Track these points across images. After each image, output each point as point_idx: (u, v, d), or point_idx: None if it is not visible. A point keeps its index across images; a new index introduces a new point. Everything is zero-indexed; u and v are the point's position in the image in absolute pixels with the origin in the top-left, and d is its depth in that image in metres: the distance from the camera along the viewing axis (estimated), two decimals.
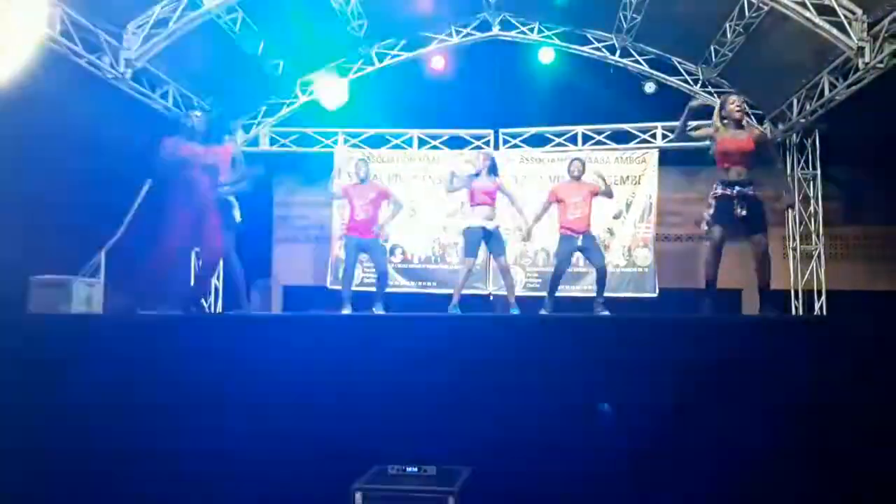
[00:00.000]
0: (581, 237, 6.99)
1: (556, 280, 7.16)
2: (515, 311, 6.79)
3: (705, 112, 5.76)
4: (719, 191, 5.22)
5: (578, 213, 7.01)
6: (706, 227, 5.35)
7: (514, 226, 9.79)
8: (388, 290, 7.48)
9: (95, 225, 7.08)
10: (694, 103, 5.67)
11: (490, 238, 6.95)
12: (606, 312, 6.84)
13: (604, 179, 7.23)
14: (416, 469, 3.34)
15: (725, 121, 5.33)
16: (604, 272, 7.10)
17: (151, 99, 8.25)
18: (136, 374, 3.79)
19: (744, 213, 5.15)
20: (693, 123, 5.73)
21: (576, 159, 7.40)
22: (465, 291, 7.33)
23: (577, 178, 7.22)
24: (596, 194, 7.16)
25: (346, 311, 7.03)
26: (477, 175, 7.08)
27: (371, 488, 3.23)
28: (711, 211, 5.28)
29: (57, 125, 6.34)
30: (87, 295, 5.94)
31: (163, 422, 3.70)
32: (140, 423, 3.71)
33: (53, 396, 3.79)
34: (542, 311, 6.98)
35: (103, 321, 5.13)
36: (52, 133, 6.37)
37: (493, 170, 7.14)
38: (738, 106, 5.34)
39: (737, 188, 5.18)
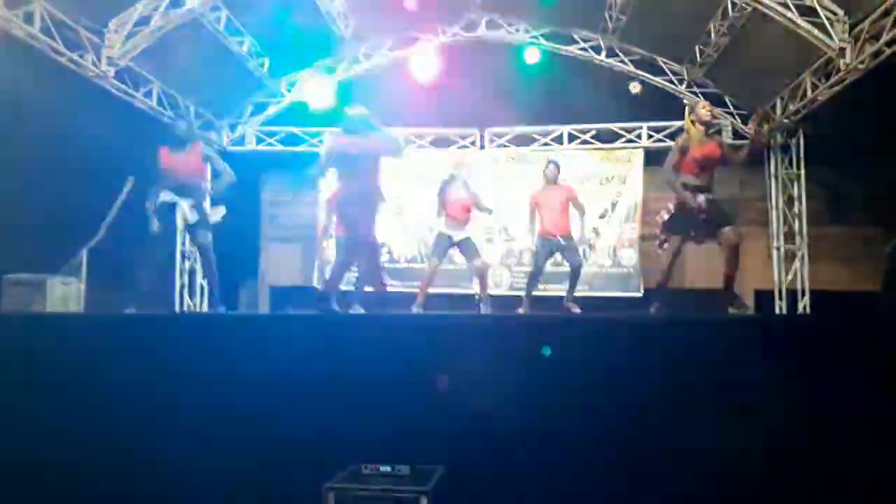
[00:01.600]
0: (559, 239, 7.11)
1: (532, 280, 7.30)
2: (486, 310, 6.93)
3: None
4: (680, 195, 5.34)
5: (556, 217, 7.11)
6: (661, 233, 5.48)
7: (501, 226, 9.88)
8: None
9: (78, 224, 7.05)
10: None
11: (460, 245, 7.03)
12: (578, 310, 6.93)
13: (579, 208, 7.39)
14: (389, 468, 3.34)
15: (696, 124, 5.45)
16: (578, 270, 7.24)
17: (135, 97, 8.19)
18: (111, 374, 3.77)
19: (703, 216, 5.30)
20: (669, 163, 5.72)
21: (551, 162, 7.44)
22: (451, 291, 7.40)
23: (553, 182, 7.29)
24: (573, 197, 7.26)
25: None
26: (452, 182, 7.13)
27: (344, 487, 3.22)
28: (667, 217, 5.42)
29: (38, 123, 6.31)
30: (62, 294, 5.88)
31: (139, 421, 3.68)
32: (116, 422, 3.69)
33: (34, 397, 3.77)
34: (520, 310, 7.03)
35: (77, 320, 5.08)
36: (34, 132, 6.33)
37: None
38: (707, 110, 5.50)
39: (697, 194, 5.31)
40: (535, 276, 7.28)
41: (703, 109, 5.47)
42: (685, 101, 9.50)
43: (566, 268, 7.99)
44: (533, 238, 7.27)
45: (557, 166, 7.37)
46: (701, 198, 5.27)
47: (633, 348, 3.60)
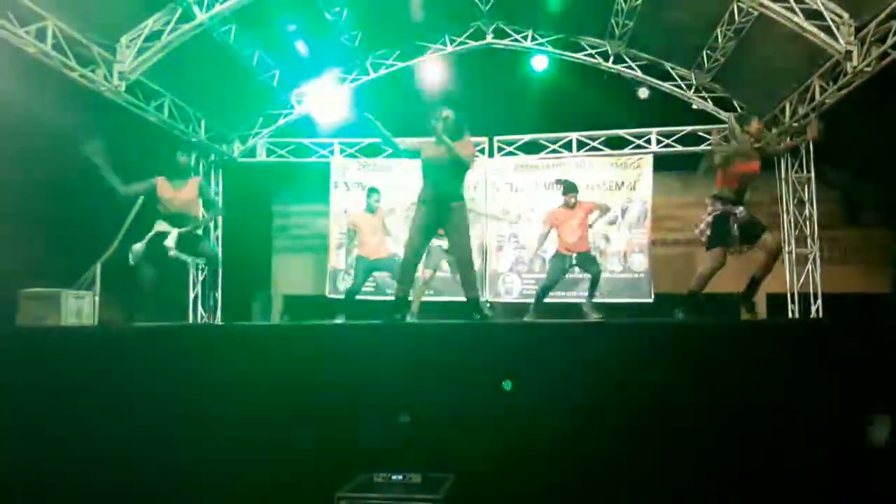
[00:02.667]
0: (576, 255, 7.19)
1: (545, 291, 7.32)
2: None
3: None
4: (718, 206, 5.32)
5: (576, 236, 7.21)
6: (702, 238, 5.45)
7: (510, 233, 9.91)
8: (384, 297, 7.60)
9: (91, 237, 7.11)
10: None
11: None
12: (595, 316, 6.96)
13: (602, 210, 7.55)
14: (400, 477, 3.35)
15: (749, 138, 5.37)
16: (597, 278, 7.26)
17: (146, 111, 8.28)
18: (123, 385, 3.81)
19: (740, 226, 5.27)
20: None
21: (570, 192, 7.37)
22: (459, 299, 7.40)
23: (573, 207, 7.33)
24: (591, 211, 7.34)
25: (340, 319, 7.23)
26: None
27: (355, 496, 3.24)
28: (708, 232, 5.36)
29: (51, 138, 6.37)
30: (76, 308, 5.93)
31: (149, 430, 3.71)
32: (126, 431, 3.72)
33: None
34: (527, 318, 7.05)
35: (90, 333, 5.13)
36: (47, 146, 6.40)
37: None
38: (759, 128, 5.42)
39: (734, 206, 5.29)
40: (547, 289, 7.33)
41: (756, 123, 5.40)
42: (731, 116, 9.45)
43: (570, 275, 8.03)
44: (544, 253, 7.36)
45: (575, 194, 7.39)
46: (740, 208, 5.27)
47: (651, 355, 3.59)
